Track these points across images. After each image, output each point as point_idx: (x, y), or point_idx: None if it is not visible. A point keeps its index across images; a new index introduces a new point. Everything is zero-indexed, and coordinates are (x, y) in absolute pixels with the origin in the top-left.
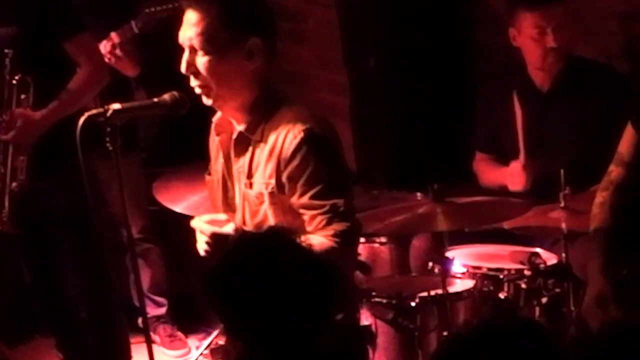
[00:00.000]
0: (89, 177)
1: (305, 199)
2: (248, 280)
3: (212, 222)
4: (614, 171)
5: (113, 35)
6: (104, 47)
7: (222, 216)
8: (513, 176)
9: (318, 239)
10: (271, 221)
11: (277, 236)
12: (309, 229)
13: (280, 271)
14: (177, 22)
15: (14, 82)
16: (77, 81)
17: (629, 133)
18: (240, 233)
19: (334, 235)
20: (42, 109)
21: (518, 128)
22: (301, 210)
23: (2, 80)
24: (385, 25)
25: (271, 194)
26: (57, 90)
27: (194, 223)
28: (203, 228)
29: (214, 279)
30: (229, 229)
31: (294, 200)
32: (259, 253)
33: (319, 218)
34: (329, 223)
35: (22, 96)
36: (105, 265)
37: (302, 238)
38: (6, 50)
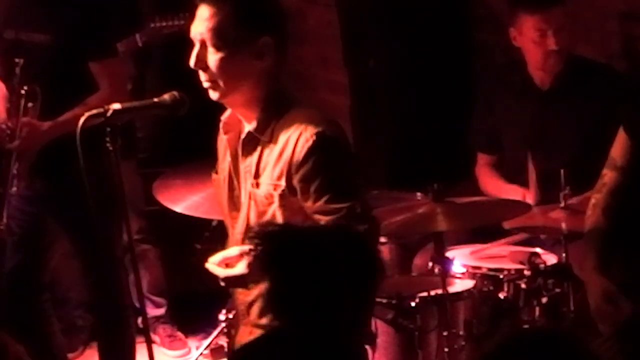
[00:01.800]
0: (104, 179)
1: (320, 204)
2: (307, 262)
3: (223, 261)
4: (607, 174)
5: None
6: None
7: (234, 250)
8: None
9: None
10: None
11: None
12: None
13: (336, 259)
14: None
15: (23, 91)
16: (94, 100)
17: (621, 137)
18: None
19: None
20: (49, 119)
21: (530, 183)
22: (317, 216)
23: (11, 88)
24: (385, 25)
25: (281, 195)
26: (70, 105)
27: (208, 266)
28: (216, 272)
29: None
30: (240, 268)
31: (309, 205)
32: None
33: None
34: None
35: (30, 105)
36: (117, 267)
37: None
38: (16, 60)
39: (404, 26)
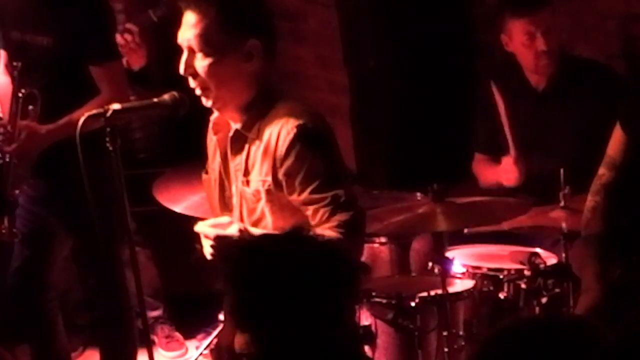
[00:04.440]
0: (105, 179)
1: (305, 195)
2: (269, 272)
3: (215, 226)
4: (605, 175)
5: (130, 26)
6: (122, 38)
7: (225, 219)
8: (506, 172)
9: (323, 232)
10: (268, 219)
11: (298, 233)
12: (313, 223)
13: (301, 263)
14: (176, 21)
15: (21, 94)
16: (94, 104)
17: (617, 135)
18: (264, 234)
19: (338, 226)
20: (49, 121)
21: (503, 122)
22: (302, 207)
23: (11, 91)
24: (385, 25)
25: (268, 191)
26: (70, 108)
27: (197, 227)
28: (207, 231)
29: (237, 271)
30: (232, 230)
31: (294, 197)
32: (280, 246)
33: (322, 211)
34: (332, 214)
35: (30, 107)
36: (119, 267)
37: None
38: (14, 63)
39: (404, 26)
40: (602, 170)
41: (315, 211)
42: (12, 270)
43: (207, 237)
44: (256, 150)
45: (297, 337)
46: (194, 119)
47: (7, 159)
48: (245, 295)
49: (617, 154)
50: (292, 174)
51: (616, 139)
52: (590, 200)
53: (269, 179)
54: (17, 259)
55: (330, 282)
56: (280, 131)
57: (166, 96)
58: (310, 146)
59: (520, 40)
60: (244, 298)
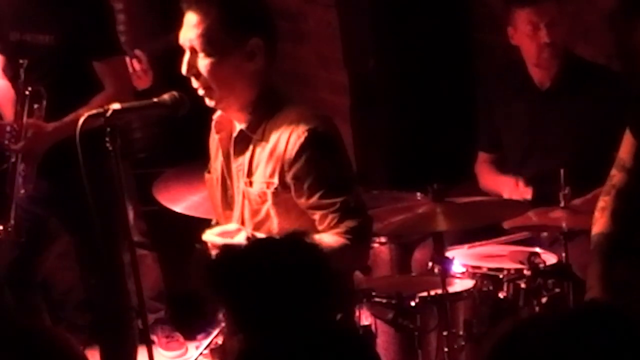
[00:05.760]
0: (106, 180)
1: (314, 200)
2: (256, 274)
3: (223, 234)
4: (616, 176)
5: (138, 52)
6: (131, 65)
7: (233, 226)
8: (511, 194)
9: (331, 237)
10: (273, 220)
11: (291, 239)
12: (320, 228)
13: (287, 268)
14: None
15: (27, 92)
16: (99, 101)
17: (627, 138)
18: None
19: (347, 232)
20: (55, 120)
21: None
22: (311, 211)
23: (16, 90)
24: (385, 25)
25: (274, 193)
26: (75, 105)
27: (205, 237)
28: (215, 241)
29: (224, 270)
30: (240, 238)
31: (303, 201)
32: (269, 251)
33: (330, 217)
34: (340, 221)
35: (35, 106)
36: (121, 267)
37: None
38: (20, 61)
39: (404, 26)
40: (613, 172)
41: (324, 216)
42: (1, 269)
43: (214, 246)
44: (261, 151)
45: (280, 342)
46: (194, 119)
47: (14, 158)
48: (228, 300)
49: (627, 158)
50: (301, 178)
51: (626, 143)
52: (601, 201)
53: (275, 180)
54: (7, 258)
55: (306, 290)
56: (290, 135)
57: (166, 96)
58: (321, 151)
59: (524, 30)
60: (228, 302)
